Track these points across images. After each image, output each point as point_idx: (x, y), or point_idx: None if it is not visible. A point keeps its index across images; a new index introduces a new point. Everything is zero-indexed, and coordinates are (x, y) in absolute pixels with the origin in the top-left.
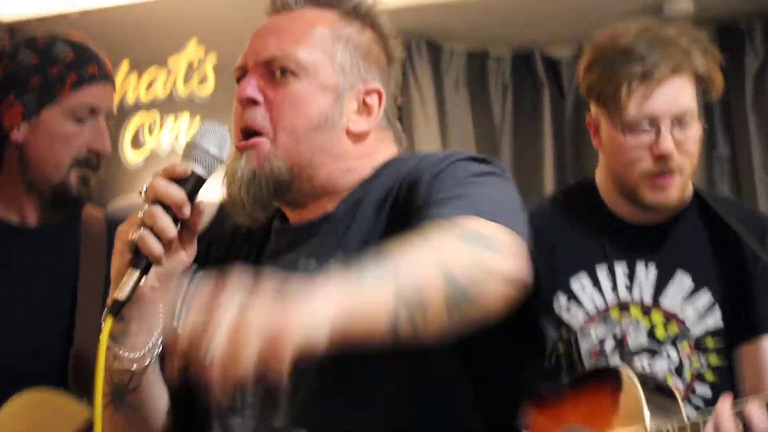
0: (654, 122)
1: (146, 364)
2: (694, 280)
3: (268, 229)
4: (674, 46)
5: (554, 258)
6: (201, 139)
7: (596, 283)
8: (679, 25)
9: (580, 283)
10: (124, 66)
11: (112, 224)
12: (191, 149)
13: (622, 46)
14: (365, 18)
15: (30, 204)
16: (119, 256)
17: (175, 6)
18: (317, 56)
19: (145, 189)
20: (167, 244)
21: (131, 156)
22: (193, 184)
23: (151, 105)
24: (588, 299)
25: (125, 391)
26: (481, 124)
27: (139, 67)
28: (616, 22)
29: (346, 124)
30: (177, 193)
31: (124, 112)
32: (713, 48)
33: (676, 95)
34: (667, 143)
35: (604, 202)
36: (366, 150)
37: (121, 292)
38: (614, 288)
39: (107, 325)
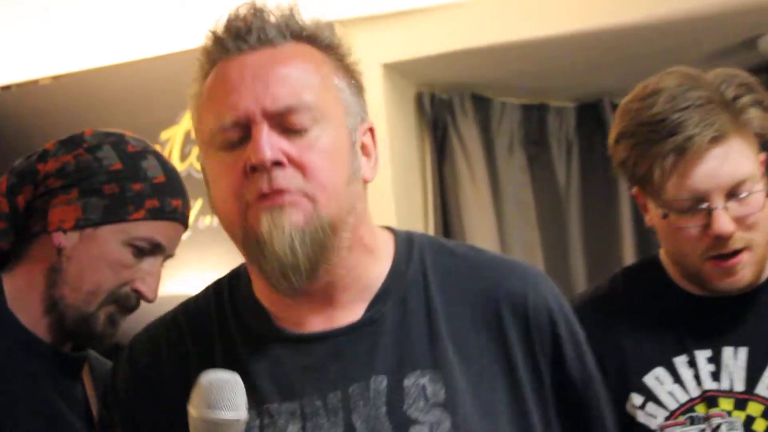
0: (702, 200)
1: None
2: None
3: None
4: (715, 105)
5: (623, 354)
6: (219, 411)
7: (675, 375)
8: (725, 73)
9: (657, 379)
10: None
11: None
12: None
13: (650, 114)
14: (339, 48)
15: (45, 321)
16: None
17: (167, 72)
18: (328, 98)
19: None
20: None
21: None
22: None
23: None
24: (667, 395)
25: None
26: (542, 190)
27: None
28: (697, 65)
29: (363, 174)
30: None
31: None
32: None
33: (722, 166)
34: (722, 224)
35: (672, 281)
36: (367, 214)
37: None
38: (697, 378)
39: None
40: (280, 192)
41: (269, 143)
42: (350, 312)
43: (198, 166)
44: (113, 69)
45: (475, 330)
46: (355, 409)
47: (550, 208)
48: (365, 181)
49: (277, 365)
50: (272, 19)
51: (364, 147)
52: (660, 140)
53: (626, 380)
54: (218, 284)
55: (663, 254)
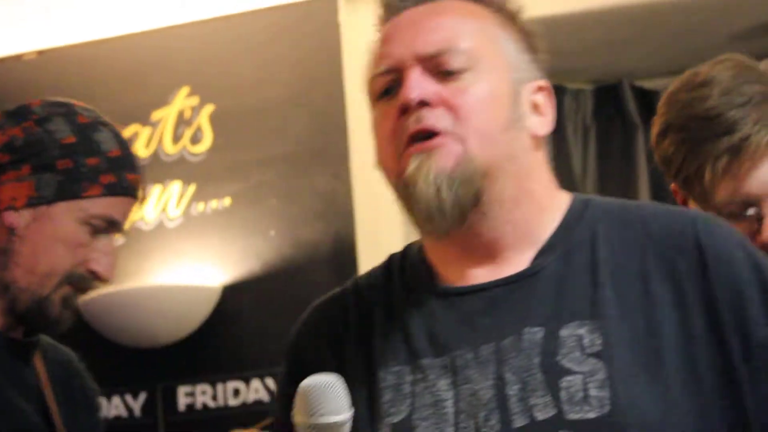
0: (753, 205)
1: None
2: None
3: (390, 301)
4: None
5: None
6: (322, 416)
7: None
8: None
9: None
10: None
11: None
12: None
13: (703, 109)
14: (515, 17)
15: None
16: None
17: (159, 48)
18: (488, 47)
19: None
20: None
21: None
22: None
23: None
24: None
25: None
26: (556, 177)
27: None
28: (726, 44)
29: (528, 128)
30: None
31: None
32: None
33: None
34: None
35: None
36: (542, 171)
37: None
38: None
39: None
40: (428, 133)
41: (418, 83)
42: (513, 266)
43: (191, 148)
44: (101, 44)
45: (644, 281)
46: (507, 361)
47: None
48: (535, 136)
49: (432, 320)
50: None
51: (535, 105)
52: (714, 138)
53: None
54: (393, 254)
55: None
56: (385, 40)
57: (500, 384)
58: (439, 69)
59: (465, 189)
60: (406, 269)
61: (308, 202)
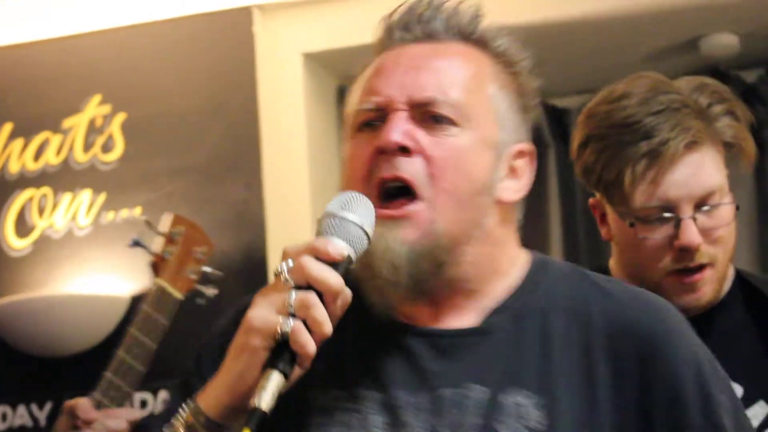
0: (671, 209)
1: None
2: (746, 389)
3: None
4: (690, 110)
5: None
6: (350, 214)
7: None
8: (696, 81)
9: None
10: (5, 130)
11: None
12: (338, 225)
13: (621, 117)
14: (515, 65)
15: None
16: (253, 353)
17: (71, 55)
18: (481, 104)
19: (286, 268)
20: (318, 343)
21: (15, 242)
22: (344, 270)
23: (41, 178)
24: None
25: None
26: None
27: (25, 131)
28: (639, 64)
29: (499, 193)
30: (335, 280)
31: (6, 188)
32: (742, 107)
33: (695, 174)
34: (690, 235)
35: None
36: (508, 237)
37: (262, 400)
38: None
39: None
40: (399, 181)
41: (401, 127)
42: (463, 319)
43: (102, 157)
44: (12, 49)
45: (589, 359)
46: (445, 415)
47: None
48: (501, 201)
49: (377, 352)
50: (443, 15)
51: (513, 169)
52: (633, 143)
53: None
54: None
55: (614, 270)
56: (379, 74)
57: None
58: (426, 116)
59: (425, 263)
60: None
61: (220, 213)
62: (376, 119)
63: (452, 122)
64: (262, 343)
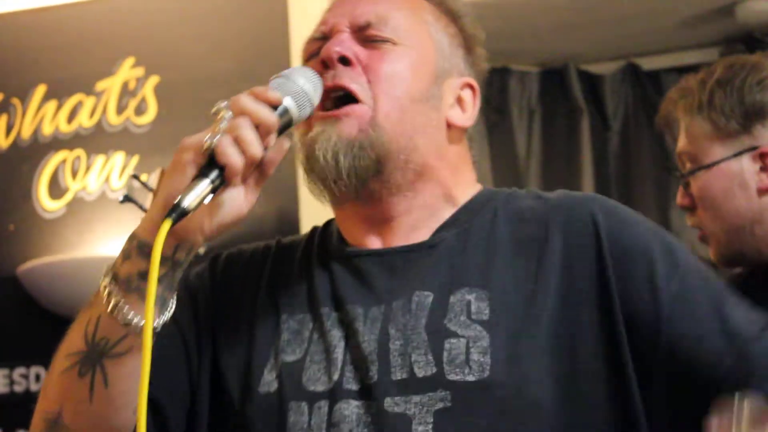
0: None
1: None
2: None
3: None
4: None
5: None
6: (296, 75)
7: None
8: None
9: None
10: (39, 92)
11: None
12: (283, 82)
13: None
14: (457, 17)
15: None
16: (184, 168)
17: (105, 18)
18: (418, 28)
19: (225, 104)
20: (248, 165)
21: (48, 204)
22: (283, 120)
23: (75, 140)
24: None
25: (105, 352)
26: (500, 160)
27: (58, 93)
28: (673, 30)
29: (446, 113)
30: (268, 114)
31: (40, 150)
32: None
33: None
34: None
35: None
36: (457, 162)
37: (185, 198)
38: None
39: (164, 230)
40: (341, 90)
41: (340, 42)
42: (412, 237)
43: (135, 120)
44: (46, 11)
45: (541, 251)
46: (394, 319)
47: (507, 178)
48: (451, 125)
49: (334, 278)
50: None
51: (460, 99)
52: None
53: None
54: (317, 225)
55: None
56: (327, 11)
57: (384, 339)
58: (366, 38)
59: (365, 156)
60: (324, 236)
61: None
62: (322, 46)
63: (390, 41)
64: (192, 158)
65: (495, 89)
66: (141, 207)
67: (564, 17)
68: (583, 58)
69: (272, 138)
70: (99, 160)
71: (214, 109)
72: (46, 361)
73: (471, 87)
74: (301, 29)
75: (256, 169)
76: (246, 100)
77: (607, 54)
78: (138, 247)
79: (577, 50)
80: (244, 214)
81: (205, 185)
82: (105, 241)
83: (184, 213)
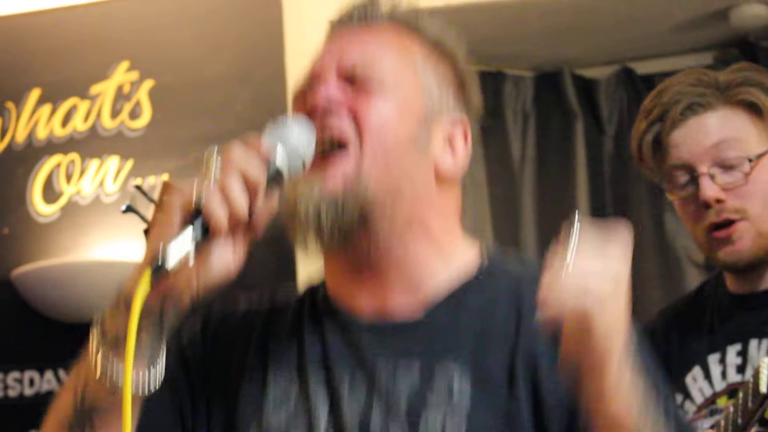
0: (688, 168)
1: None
2: None
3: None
4: (702, 83)
5: (670, 360)
6: (288, 131)
7: (707, 372)
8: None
9: (693, 377)
10: (33, 96)
11: None
12: (278, 134)
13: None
14: (449, 55)
15: None
16: (169, 214)
17: (100, 21)
18: (404, 72)
19: (215, 152)
20: (233, 225)
21: (43, 208)
22: (270, 174)
23: (69, 144)
24: (697, 391)
25: (93, 414)
26: (494, 164)
27: (53, 97)
28: (668, 35)
29: (435, 157)
30: (257, 172)
31: (34, 154)
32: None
33: (700, 132)
34: (706, 191)
35: (723, 280)
36: (448, 213)
37: (168, 256)
38: (724, 373)
39: (141, 288)
40: (326, 139)
41: (327, 87)
42: (403, 305)
43: (130, 123)
44: (41, 15)
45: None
46: (377, 387)
47: (501, 182)
48: (439, 172)
49: (325, 343)
50: (380, 5)
51: (450, 140)
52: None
53: (671, 381)
54: (313, 285)
55: None
56: (317, 57)
57: (366, 409)
58: (353, 80)
59: (348, 211)
60: (316, 296)
61: None
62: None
63: (377, 83)
64: (179, 213)
65: (489, 93)
66: (143, 217)
67: (558, 22)
68: (578, 63)
69: (261, 197)
70: (93, 164)
71: (205, 156)
72: (40, 366)
73: (462, 126)
74: (296, 33)
75: (244, 225)
76: (237, 153)
77: (601, 58)
78: (125, 303)
79: (571, 54)
80: (232, 271)
81: (189, 239)
82: (99, 246)
83: (166, 271)
